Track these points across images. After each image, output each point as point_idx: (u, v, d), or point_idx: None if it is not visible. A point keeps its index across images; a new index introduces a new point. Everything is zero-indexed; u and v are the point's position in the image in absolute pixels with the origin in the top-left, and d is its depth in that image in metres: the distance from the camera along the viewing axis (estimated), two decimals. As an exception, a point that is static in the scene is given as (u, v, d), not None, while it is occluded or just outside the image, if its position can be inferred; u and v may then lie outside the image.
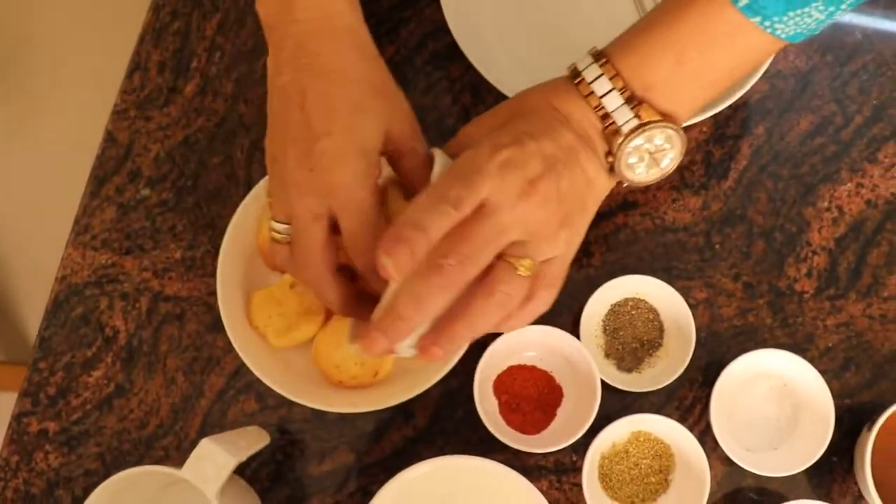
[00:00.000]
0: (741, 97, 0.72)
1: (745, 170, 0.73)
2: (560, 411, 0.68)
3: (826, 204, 0.73)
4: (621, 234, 0.72)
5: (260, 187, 0.68)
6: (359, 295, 0.58)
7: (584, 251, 0.72)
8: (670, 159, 0.54)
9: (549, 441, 0.66)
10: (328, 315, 0.67)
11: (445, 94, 0.75)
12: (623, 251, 0.72)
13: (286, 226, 0.57)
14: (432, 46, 0.76)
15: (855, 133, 0.74)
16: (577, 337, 0.67)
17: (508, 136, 0.51)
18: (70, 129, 1.59)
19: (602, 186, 0.54)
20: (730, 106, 0.73)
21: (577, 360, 0.67)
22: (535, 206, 0.50)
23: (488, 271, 0.49)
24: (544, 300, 0.53)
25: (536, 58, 0.75)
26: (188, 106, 0.75)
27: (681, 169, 0.73)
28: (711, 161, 0.74)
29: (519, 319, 0.52)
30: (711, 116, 0.74)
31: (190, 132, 0.74)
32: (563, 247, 0.52)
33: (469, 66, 0.70)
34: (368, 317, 0.52)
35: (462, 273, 0.48)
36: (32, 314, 1.53)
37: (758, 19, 0.51)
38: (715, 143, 0.74)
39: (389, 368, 0.66)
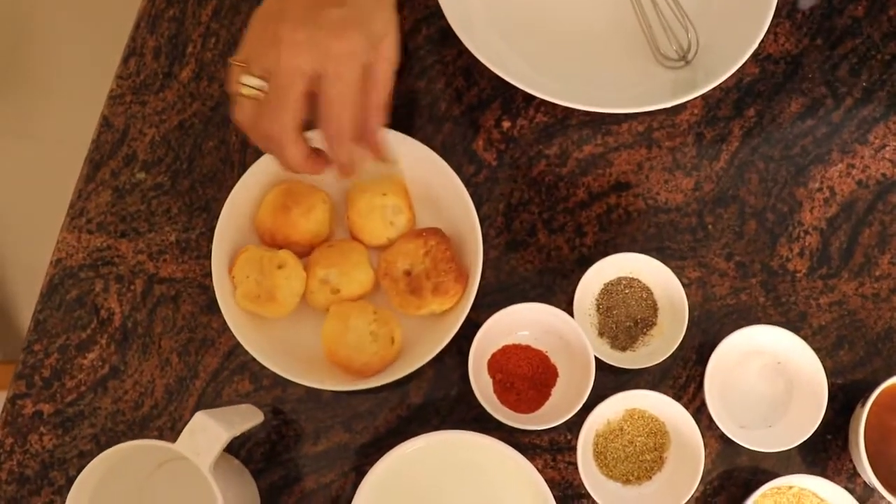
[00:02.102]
0: (731, 79, 0.73)
1: (737, 151, 0.74)
2: (554, 390, 0.68)
3: (817, 185, 0.73)
4: (614, 214, 0.72)
5: (254, 170, 0.68)
6: (312, 152, 0.62)
7: (577, 231, 0.72)
8: None
9: (544, 419, 0.66)
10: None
11: (439, 77, 0.75)
12: (616, 231, 0.72)
13: (260, 81, 0.58)
14: (425, 31, 0.76)
15: (845, 115, 0.75)
16: (571, 316, 0.67)
17: None
18: (66, 116, 1.58)
19: None
20: (721, 88, 0.74)
21: (572, 338, 0.67)
22: None
23: None
24: None
25: (529, 40, 0.76)
26: (183, 91, 0.75)
27: (673, 150, 0.74)
28: (703, 142, 0.74)
29: None
30: (702, 98, 0.74)
31: (185, 117, 0.75)
32: None
33: (462, 50, 0.71)
34: (317, 172, 0.62)
35: None
36: (27, 312, 1.53)
37: None
38: (706, 124, 0.74)
39: (400, 333, 0.67)
